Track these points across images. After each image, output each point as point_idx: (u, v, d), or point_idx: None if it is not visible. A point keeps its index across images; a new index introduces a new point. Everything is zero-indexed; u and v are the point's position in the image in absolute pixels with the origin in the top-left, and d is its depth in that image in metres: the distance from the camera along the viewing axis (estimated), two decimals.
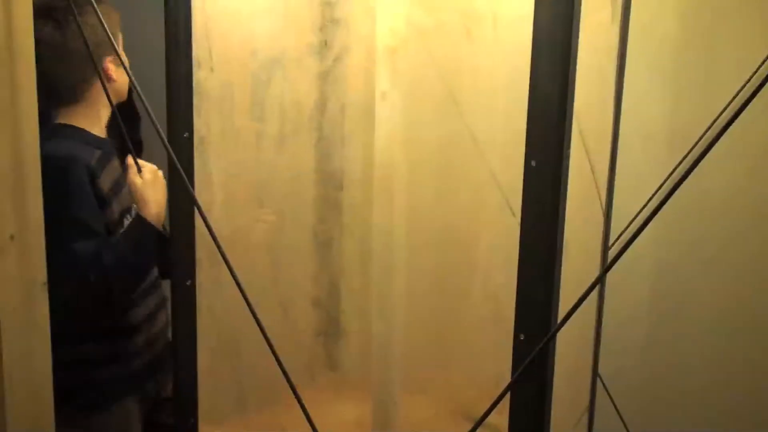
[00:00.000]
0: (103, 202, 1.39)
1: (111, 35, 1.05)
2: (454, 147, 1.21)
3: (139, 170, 1.39)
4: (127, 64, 1.11)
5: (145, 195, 1.40)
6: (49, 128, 1.44)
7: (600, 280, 1.04)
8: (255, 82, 1.24)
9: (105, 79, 1.39)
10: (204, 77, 1.14)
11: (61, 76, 1.42)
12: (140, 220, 1.38)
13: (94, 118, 1.46)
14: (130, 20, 1.51)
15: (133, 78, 1.06)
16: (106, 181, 1.41)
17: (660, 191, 1.75)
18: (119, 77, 1.47)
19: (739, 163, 1.83)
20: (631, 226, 1.54)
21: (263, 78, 1.24)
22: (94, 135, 1.46)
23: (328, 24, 1.23)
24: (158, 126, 1.01)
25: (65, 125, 1.45)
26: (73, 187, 1.35)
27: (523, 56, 0.87)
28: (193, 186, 1.10)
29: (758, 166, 1.82)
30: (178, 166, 0.94)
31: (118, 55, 1.09)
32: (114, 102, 1.41)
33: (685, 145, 1.47)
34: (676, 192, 0.79)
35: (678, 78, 1.87)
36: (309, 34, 1.24)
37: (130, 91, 1.53)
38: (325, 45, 1.24)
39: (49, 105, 1.46)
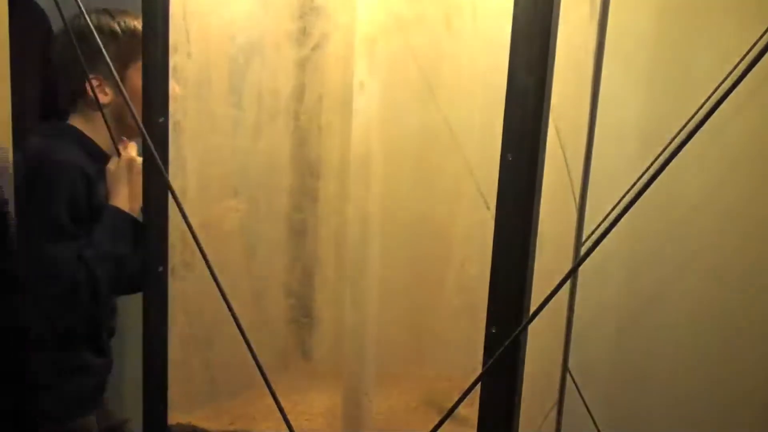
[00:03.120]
0: (98, 212, 1.38)
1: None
2: (431, 139, 1.21)
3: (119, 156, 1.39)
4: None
5: (112, 184, 1.39)
6: (58, 127, 1.44)
7: (572, 275, 1.05)
8: (233, 68, 1.23)
9: (95, 93, 1.38)
10: (181, 62, 1.13)
11: (72, 78, 1.42)
12: (112, 210, 1.36)
13: (100, 127, 1.43)
14: (107, 1, 1.49)
15: (110, 62, 1.05)
16: (101, 194, 1.40)
17: (633, 188, 1.77)
18: (111, 97, 1.43)
19: (713, 163, 1.86)
20: (604, 222, 1.56)
21: (241, 64, 1.23)
22: (98, 147, 1.45)
23: (308, 11, 1.22)
24: (133, 109, 1.00)
25: (73, 128, 1.44)
26: (68, 191, 1.34)
27: (501, 50, 0.87)
28: (167, 171, 1.09)
29: (732, 165, 1.85)
30: (153, 149, 0.93)
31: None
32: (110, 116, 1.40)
33: (659, 143, 1.50)
34: (651, 190, 0.80)
35: (654, 78, 1.89)
36: (288, 21, 1.23)
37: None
38: (304, 33, 1.23)
39: (64, 102, 1.47)
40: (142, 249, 1.40)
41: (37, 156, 1.36)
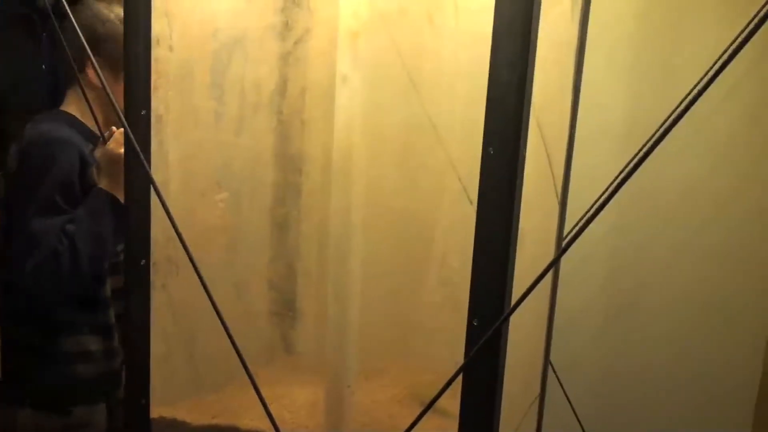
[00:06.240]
0: (88, 191, 1.39)
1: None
2: (413, 133, 1.21)
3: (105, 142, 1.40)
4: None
5: (98, 169, 1.40)
6: (52, 112, 1.48)
7: (553, 265, 1.06)
8: (215, 61, 1.23)
9: (84, 81, 1.42)
10: (163, 55, 1.13)
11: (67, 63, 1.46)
12: (97, 191, 1.37)
13: (94, 110, 1.46)
14: None
15: (92, 57, 1.04)
16: (92, 175, 1.42)
17: (615, 180, 1.78)
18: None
19: (695, 159, 1.88)
20: (586, 214, 1.57)
21: (224, 58, 1.23)
22: (90, 129, 1.47)
23: (290, 5, 1.22)
24: (115, 102, 1.00)
25: (66, 112, 1.48)
26: (63, 169, 1.36)
27: (483, 45, 0.88)
28: (149, 164, 1.08)
29: (714, 161, 1.87)
30: (134, 142, 0.93)
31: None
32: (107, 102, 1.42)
33: (642, 137, 1.51)
34: (634, 184, 0.81)
35: (635, 74, 1.91)
36: (271, 15, 1.23)
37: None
38: (286, 27, 1.23)
39: (57, 89, 1.53)
40: (124, 234, 1.42)
41: (36, 137, 1.40)
